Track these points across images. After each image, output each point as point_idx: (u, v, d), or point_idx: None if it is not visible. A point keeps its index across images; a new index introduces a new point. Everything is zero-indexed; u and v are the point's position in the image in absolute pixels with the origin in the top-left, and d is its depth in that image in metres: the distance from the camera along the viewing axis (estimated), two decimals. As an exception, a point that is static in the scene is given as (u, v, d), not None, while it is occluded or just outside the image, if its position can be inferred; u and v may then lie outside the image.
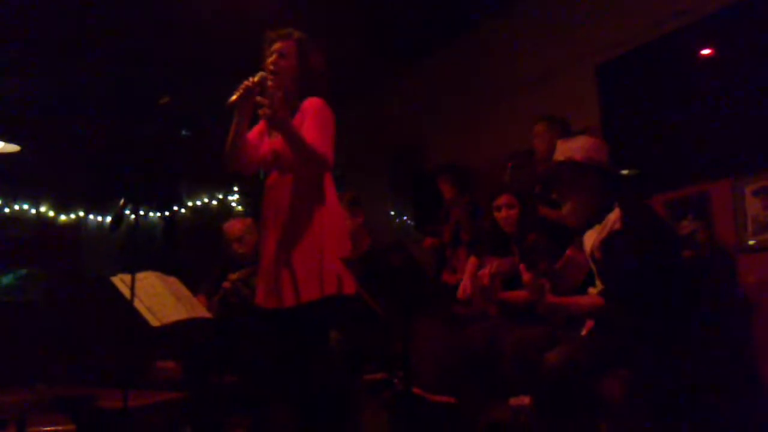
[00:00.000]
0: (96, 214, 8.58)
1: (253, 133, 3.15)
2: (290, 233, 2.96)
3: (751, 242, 3.86)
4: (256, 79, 2.93)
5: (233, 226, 4.76)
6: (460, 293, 3.96)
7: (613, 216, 2.75)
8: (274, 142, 3.07)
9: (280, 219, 3.01)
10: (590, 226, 2.90)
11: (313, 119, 2.98)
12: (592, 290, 2.90)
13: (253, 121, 3.12)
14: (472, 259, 4.10)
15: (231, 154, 3.04)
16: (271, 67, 3.03)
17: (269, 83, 2.98)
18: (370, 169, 7.36)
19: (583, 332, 2.94)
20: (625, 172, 4.33)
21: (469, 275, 3.97)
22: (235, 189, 8.84)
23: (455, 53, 6.60)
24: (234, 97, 2.88)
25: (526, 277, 2.79)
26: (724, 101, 4.06)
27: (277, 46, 3.08)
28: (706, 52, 4.21)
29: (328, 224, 2.99)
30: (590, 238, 2.88)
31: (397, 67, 7.19)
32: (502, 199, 3.88)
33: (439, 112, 6.71)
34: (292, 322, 2.97)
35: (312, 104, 3.03)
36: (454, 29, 6.37)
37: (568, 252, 2.97)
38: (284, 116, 2.83)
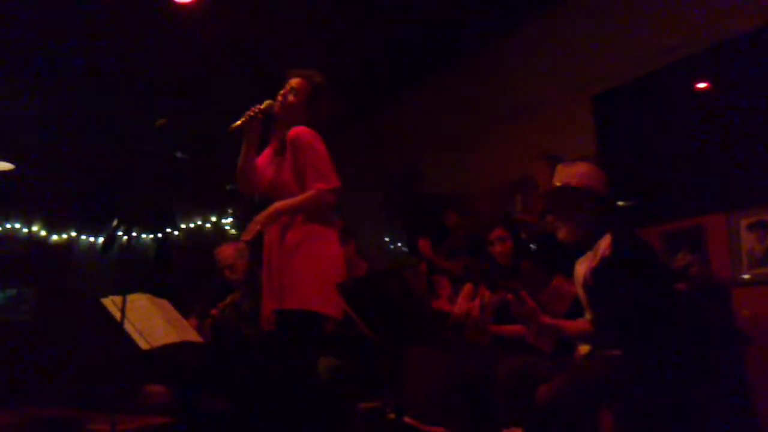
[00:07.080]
0: (88, 234, 8.53)
1: (262, 158, 3.18)
2: (287, 257, 2.94)
3: (745, 276, 3.86)
4: (262, 106, 2.99)
5: (224, 253, 4.72)
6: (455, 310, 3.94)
7: (604, 243, 2.73)
8: (270, 173, 3.10)
9: (276, 247, 2.99)
10: (582, 254, 2.90)
11: (309, 157, 2.95)
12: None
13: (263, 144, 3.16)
14: (468, 285, 4.09)
15: (241, 178, 3.12)
16: (280, 98, 3.07)
17: (277, 109, 3.04)
18: (364, 195, 7.34)
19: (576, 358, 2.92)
20: (621, 203, 4.34)
21: (465, 299, 3.97)
22: (229, 212, 8.82)
23: (452, 81, 6.62)
24: (238, 123, 2.96)
25: (513, 308, 2.78)
26: (719, 135, 4.08)
27: (293, 81, 3.11)
28: (702, 85, 4.24)
29: (325, 251, 2.97)
30: (582, 266, 2.86)
31: (393, 93, 7.22)
32: (495, 233, 3.91)
33: (435, 139, 6.72)
34: (286, 330, 2.95)
35: (298, 137, 2.98)
36: (450, 57, 6.40)
37: (553, 281, 2.95)
38: (274, 214, 2.91)
